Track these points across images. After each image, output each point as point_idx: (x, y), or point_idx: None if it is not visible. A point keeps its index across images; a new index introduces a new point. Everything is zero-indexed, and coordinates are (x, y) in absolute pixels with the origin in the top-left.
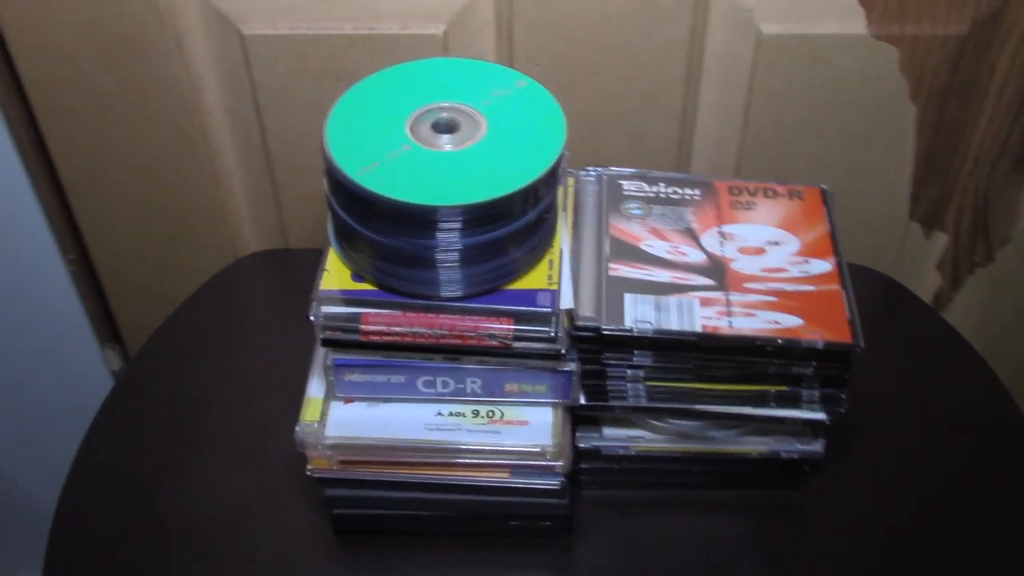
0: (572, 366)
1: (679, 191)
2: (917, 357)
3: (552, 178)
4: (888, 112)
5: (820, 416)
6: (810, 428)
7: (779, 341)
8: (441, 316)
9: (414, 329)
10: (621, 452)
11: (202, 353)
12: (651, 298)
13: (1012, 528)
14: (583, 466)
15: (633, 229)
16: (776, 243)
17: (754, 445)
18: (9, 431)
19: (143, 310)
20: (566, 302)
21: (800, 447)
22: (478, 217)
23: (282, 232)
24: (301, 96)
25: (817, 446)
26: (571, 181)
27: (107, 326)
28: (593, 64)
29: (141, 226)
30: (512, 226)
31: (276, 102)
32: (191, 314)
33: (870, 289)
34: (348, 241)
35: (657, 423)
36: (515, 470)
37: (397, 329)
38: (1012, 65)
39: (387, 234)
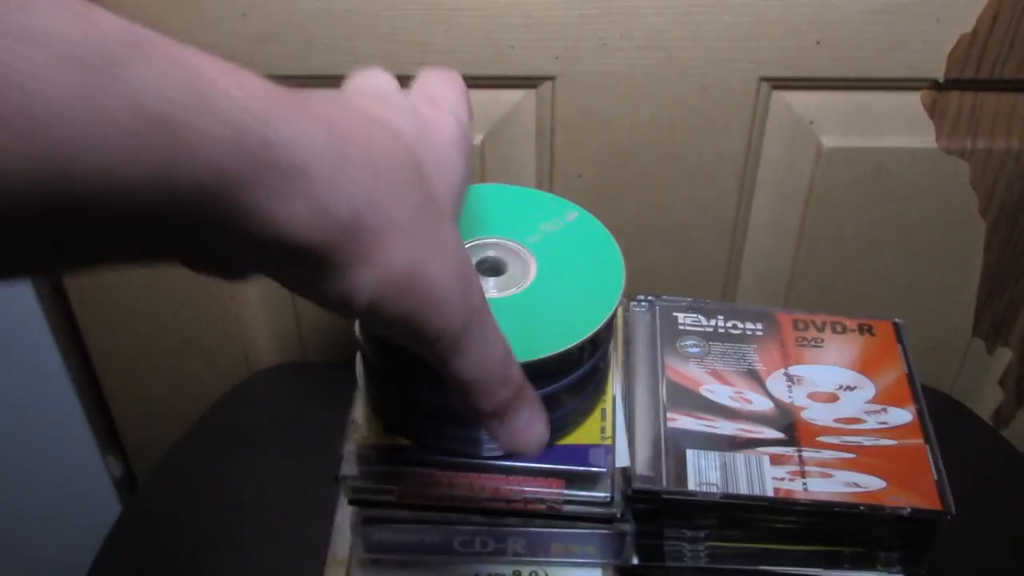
0: (626, 527)
1: (739, 325)
2: (980, 479)
3: (610, 328)
4: (955, 227)
5: None
6: None
7: (861, 508)
8: (483, 477)
9: (453, 491)
10: None
11: (215, 480)
12: (716, 455)
13: None
14: None
15: (691, 371)
16: (850, 388)
17: None
18: (7, 535)
19: (147, 421)
20: (621, 460)
21: None
22: (528, 375)
23: (300, 344)
24: None
25: None
26: (620, 311)
27: (109, 434)
28: (640, 176)
29: (148, 335)
30: (565, 381)
31: None
32: (203, 435)
33: (928, 407)
34: (381, 392)
35: None
36: None
37: (434, 492)
38: None
39: (425, 390)
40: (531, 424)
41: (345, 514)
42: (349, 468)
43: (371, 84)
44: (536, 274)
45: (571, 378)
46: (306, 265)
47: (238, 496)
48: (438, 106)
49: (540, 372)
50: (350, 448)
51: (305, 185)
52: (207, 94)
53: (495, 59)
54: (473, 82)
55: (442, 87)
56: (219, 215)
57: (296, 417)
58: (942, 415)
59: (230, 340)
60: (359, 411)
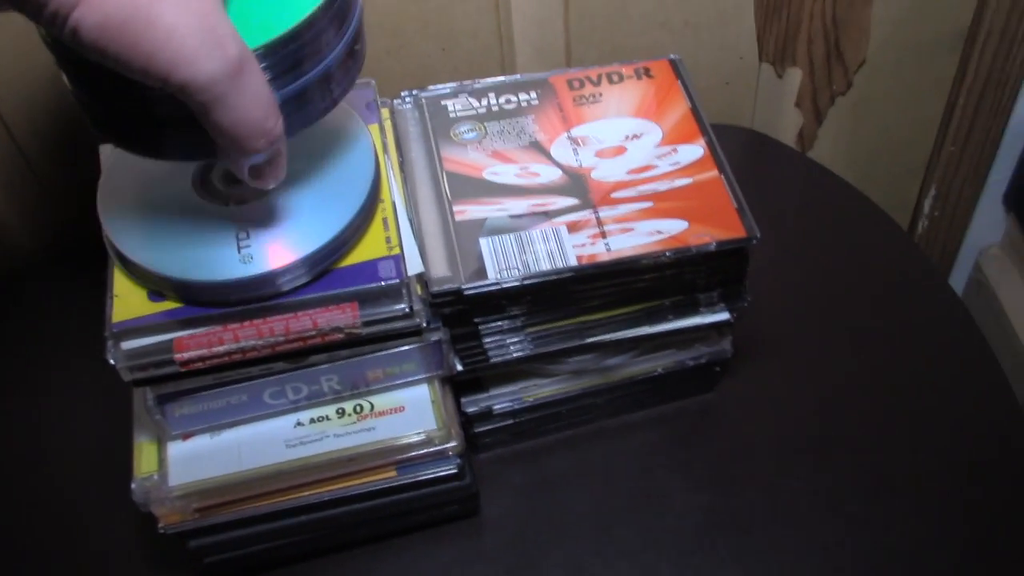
0: (439, 334)
1: (512, 99)
2: (791, 203)
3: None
4: None
5: (724, 316)
6: (715, 329)
7: (667, 254)
8: (270, 319)
9: (242, 344)
10: (515, 406)
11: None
12: (511, 237)
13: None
14: (476, 430)
15: (470, 157)
16: (636, 136)
17: (657, 361)
18: None
19: None
20: (414, 267)
21: (708, 350)
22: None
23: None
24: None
25: (725, 344)
26: (385, 113)
27: None
28: None
29: None
30: (319, 68)
31: None
32: None
33: (732, 146)
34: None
35: (547, 366)
36: (402, 466)
37: (221, 349)
38: None
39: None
40: (277, 170)
41: (138, 398)
42: (120, 349)
43: None
44: None
45: (324, 65)
46: (37, 4)
47: (25, 409)
48: None
49: (283, 57)
50: (115, 327)
51: None
52: None
53: None
54: None
55: None
56: None
57: (72, 303)
58: (747, 149)
59: None
60: (118, 285)
